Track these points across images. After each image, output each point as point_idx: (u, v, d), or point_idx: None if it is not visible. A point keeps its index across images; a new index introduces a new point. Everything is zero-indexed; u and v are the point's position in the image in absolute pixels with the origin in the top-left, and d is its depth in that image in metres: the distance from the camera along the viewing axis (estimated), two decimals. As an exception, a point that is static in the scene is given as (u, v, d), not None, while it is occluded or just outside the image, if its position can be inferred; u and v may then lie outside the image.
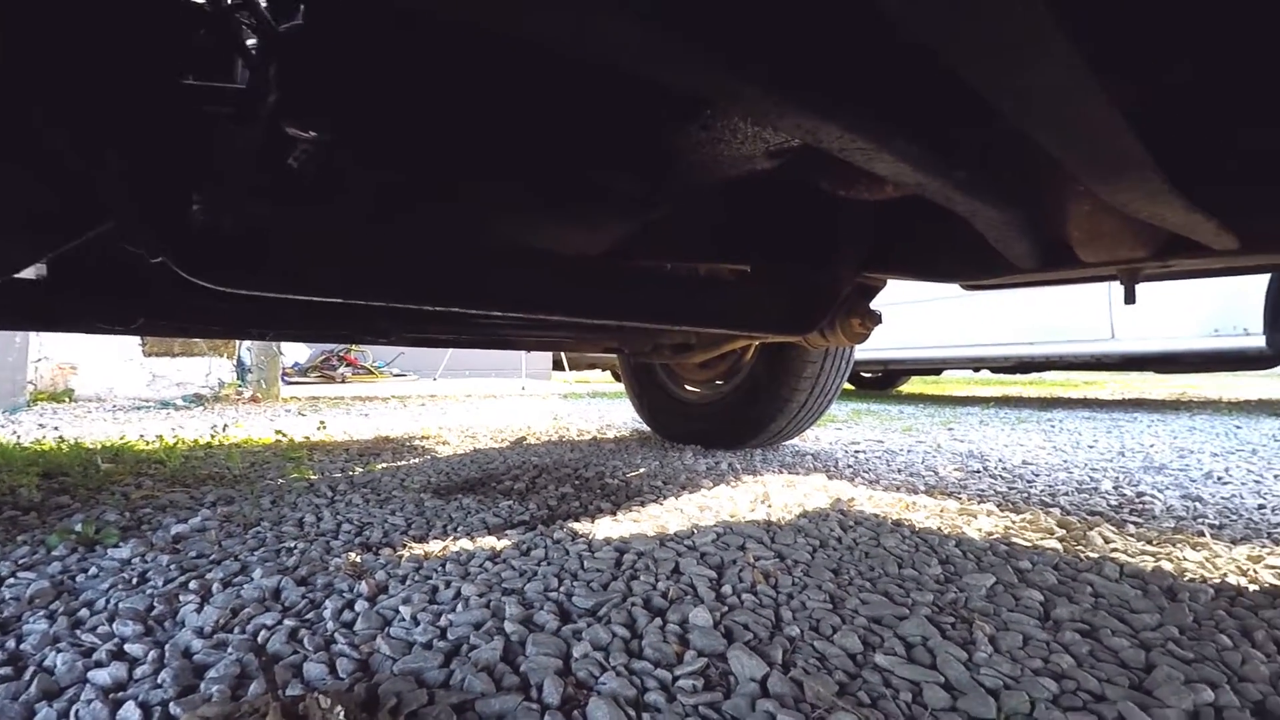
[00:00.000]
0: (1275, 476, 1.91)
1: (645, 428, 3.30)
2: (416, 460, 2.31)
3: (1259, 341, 3.87)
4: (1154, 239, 0.99)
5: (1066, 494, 1.71)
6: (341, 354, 10.14)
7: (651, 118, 0.98)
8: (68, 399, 5.88)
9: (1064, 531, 1.32)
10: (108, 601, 0.91)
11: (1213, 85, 0.83)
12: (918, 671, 0.72)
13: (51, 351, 6.06)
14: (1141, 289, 1.14)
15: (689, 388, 2.75)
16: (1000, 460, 2.31)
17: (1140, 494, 1.69)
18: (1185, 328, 4.16)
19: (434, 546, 1.19)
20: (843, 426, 3.53)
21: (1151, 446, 2.60)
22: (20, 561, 1.08)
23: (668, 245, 1.39)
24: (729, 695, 0.68)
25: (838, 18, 0.59)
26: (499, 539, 1.24)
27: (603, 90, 0.94)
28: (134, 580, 1.00)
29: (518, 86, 0.94)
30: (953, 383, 9.64)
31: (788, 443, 2.75)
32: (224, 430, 3.03)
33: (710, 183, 1.11)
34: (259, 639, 0.79)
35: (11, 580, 0.99)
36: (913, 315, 5.48)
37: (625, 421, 3.83)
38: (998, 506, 1.56)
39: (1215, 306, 4.02)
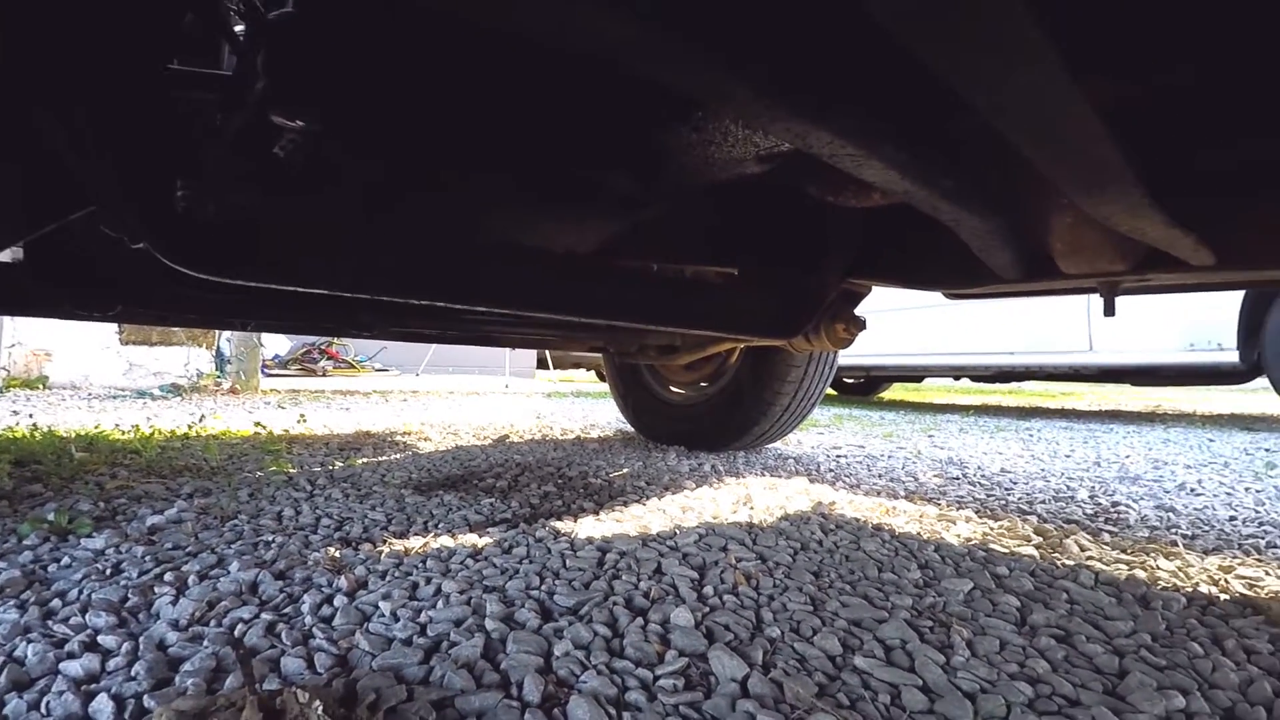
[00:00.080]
0: (1246, 489, 1.95)
1: (629, 428, 3.30)
2: (398, 456, 2.30)
3: (1233, 356, 3.95)
4: (1134, 253, 1.00)
5: (1044, 502, 1.74)
6: (323, 347, 10.05)
7: (643, 117, 0.98)
8: (42, 386, 5.78)
9: (1041, 539, 1.33)
10: (80, 592, 0.90)
11: (1185, 101, 0.84)
12: (896, 674, 0.73)
13: (26, 337, 5.96)
14: (1120, 303, 1.16)
15: (674, 389, 2.76)
16: (979, 468, 2.33)
17: (1115, 503, 1.71)
18: (1162, 342, 4.23)
19: (415, 543, 1.19)
20: (825, 431, 3.56)
21: (1127, 457, 2.64)
22: (-10, 550, 1.06)
23: (658, 246, 1.39)
24: (709, 695, 0.68)
25: (828, 21, 0.59)
26: (481, 536, 1.24)
27: (595, 87, 0.94)
28: (108, 571, 0.99)
29: (511, 81, 0.93)
30: (934, 390, 9.73)
31: (770, 446, 2.76)
32: (202, 421, 2.99)
33: (701, 185, 1.12)
34: (236, 632, 0.78)
35: (-19, 569, 0.97)
36: (896, 323, 5.52)
37: (609, 421, 3.83)
38: (976, 513, 1.57)
39: (1191, 322, 4.10)
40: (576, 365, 11.60)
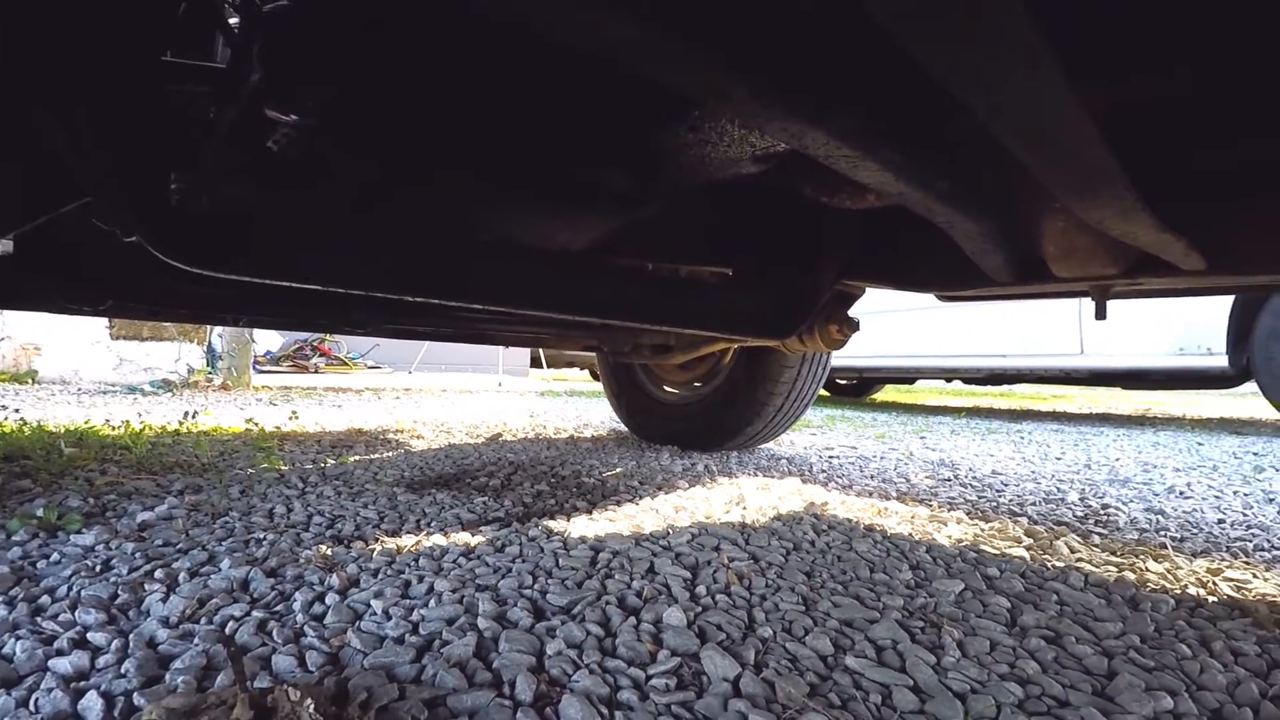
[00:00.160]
0: (1235, 492, 1.97)
1: (622, 427, 3.30)
2: (390, 454, 2.29)
3: (1222, 361, 3.98)
4: (1125, 257, 1.01)
5: (1034, 504, 1.75)
6: (315, 344, 10.01)
7: (640, 116, 0.98)
8: (31, 380, 5.73)
9: (1031, 540, 1.34)
10: (70, 589, 0.89)
11: (1177, 105, 0.85)
12: (887, 674, 0.73)
13: (15, 331, 5.91)
14: (1111, 307, 1.17)
15: (667, 389, 2.76)
16: (970, 469, 2.34)
17: (1105, 506, 1.72)
18: (1152, 346, 4.26)
19: (407, 541, 1.18)
20: (817, 432, 3.57)
21: (1117, 460, 2.66)
22: (-22, 546, 1.05)
23: (654, 245, 1.40)
24: (701, 695, 0.68)
25: (826, 22, 0.60)
26: (473, 535, 1.24)
27: (592, 86, 0.94)
28: (97, 568, 0.98)
29: (508, 77, 0.93)
30: (926, 392, 9.77)
31: (763, 446, 2.77)
32: (193, 417, 2.97)
33: (697, 184, 1.12)
34: (227, 630, 0.78)
35: (-32, 565, 0.97)
36: (888, 324, 5.54)
37: (603, 421, 3.82)
38: (967, 514, 1.58)
39: (1181, 326, 4.13)
40: (570, 364, 11.59)
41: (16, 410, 3.16)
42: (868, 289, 1.74)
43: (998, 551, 1.25)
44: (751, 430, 2.42)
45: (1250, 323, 3.85)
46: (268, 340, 9.69)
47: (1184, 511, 1.68)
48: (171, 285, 1.39)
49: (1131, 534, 1.43)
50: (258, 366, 8.42)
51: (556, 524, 1.33)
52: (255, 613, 0.83)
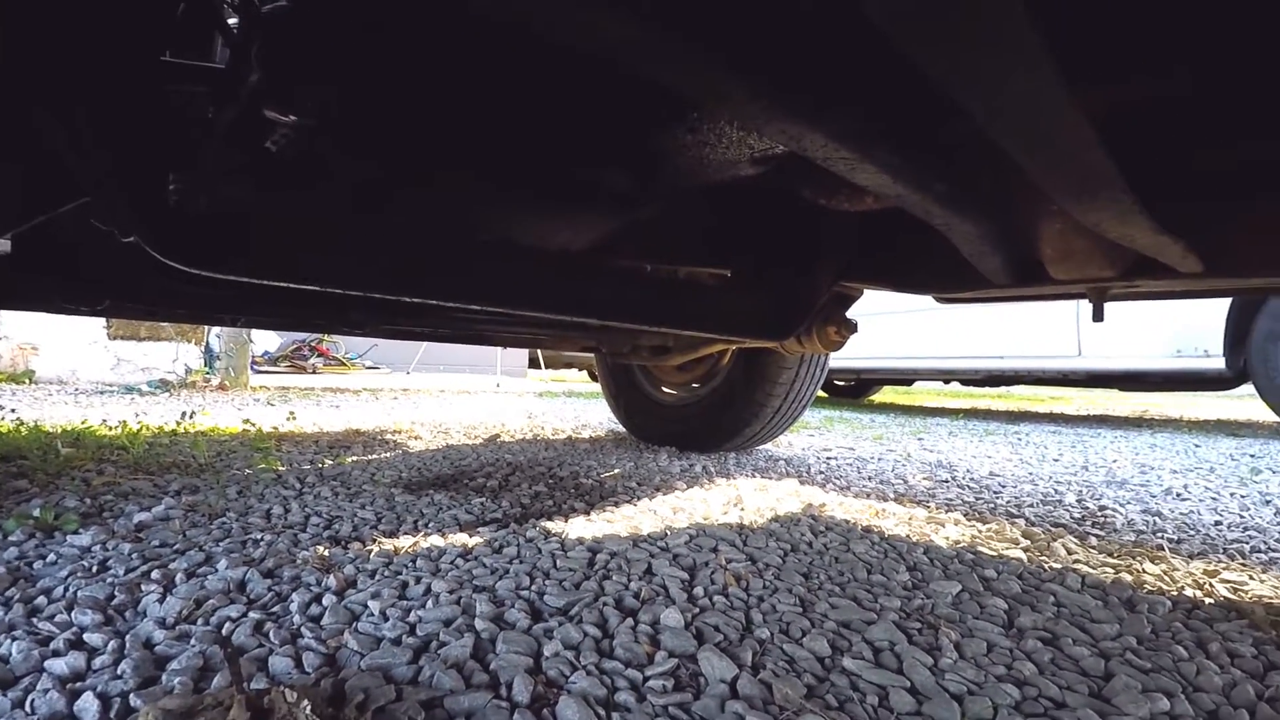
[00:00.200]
0: (1231, 494, 1.97)
1: (621, 428, 3.30)
2: (388, 454, 2.29)
3: (1219, 363, 3.99)
4: (1123, 259, 1.01)
5: (1031, 505, 1.75)
6: (313, 344, 10.00)
7: (639, 117, 0.98)
8: (28, 380, 5.72)
9: (1028, 542, 1.34)
10: (66, 589, 0.89)
11: (1175, 107, 0.85)
12: (884, 676, 0.73)
13: (12, 331, 5.90)
14: (1108, 309, 1.17)
15: (665, 390, 2.76)
16: (968, 471, 2.34)
17: (1102, 507, 1.73)
18: (1149, 348, 4.27)
19: (404, 542, 1.18)
20: (815, 433, 3.57)
21: (1114, 462, 2.66)
22: (-26, 546, 1.05)
23: (653, 246, 1.40)
24: (699, 696, 0.68)
25: (825, 24, 0.60)
26: (471, 536, 1.24)
27: (591, 87, 0.94)
28: (94, 568, 0.98)
29: (507, 78, 0.93)
30: (924, 393, 9.77)
31: (761, 447, 2.77)
32: (190, 417, 2.97)
33: (696, 186, 1.12)
34: (223, 631, 0.78)
35: (-35, 565, 0.96)
36: (886, 326, 5.55)
37: (601, 422, 3.82)
38: (965, 516, 1.58)
39: (1178, 328, 4.14)
40: (568, 365, 11.59)
41: (13, 410, 3.15)
42: (866, 291, 1.74)
43: (995, 553, 1.25)
44: (750, 431, 2.42)
45: (1247, 325, 3.86)
46: (266, 340, 9.68)
47: (1181, 513, 1.69)
48: (169, 285, 1.39)
49: (1129, 536, 1.44)
50: (255, 367, 8.41)
51: (554, 525, 1.33)
52: (252, 614, 0.83)
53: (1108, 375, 4.64)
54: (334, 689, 0.65)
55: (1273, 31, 0.69)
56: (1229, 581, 1.12)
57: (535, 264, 1.20)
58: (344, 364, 10.08)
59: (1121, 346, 4.39)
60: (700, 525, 1.37)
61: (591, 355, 2.99)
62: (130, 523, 1.22)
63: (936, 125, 0.73)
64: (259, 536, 1.17)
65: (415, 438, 2.81)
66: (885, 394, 8.58)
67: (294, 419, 3.35)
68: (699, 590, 0.98)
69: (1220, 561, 1.25)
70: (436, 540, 1.20)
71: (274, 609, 0.86)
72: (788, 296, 1.56)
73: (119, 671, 0.67)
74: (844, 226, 1.46)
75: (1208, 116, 0.86)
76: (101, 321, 6.17)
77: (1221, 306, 3.95)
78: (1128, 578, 1.12)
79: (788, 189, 1.19)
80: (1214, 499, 1.89)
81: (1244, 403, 7.82)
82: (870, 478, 2.12)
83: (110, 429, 2.53)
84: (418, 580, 0.97)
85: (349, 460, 2.11)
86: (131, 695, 0.63)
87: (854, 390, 7.58)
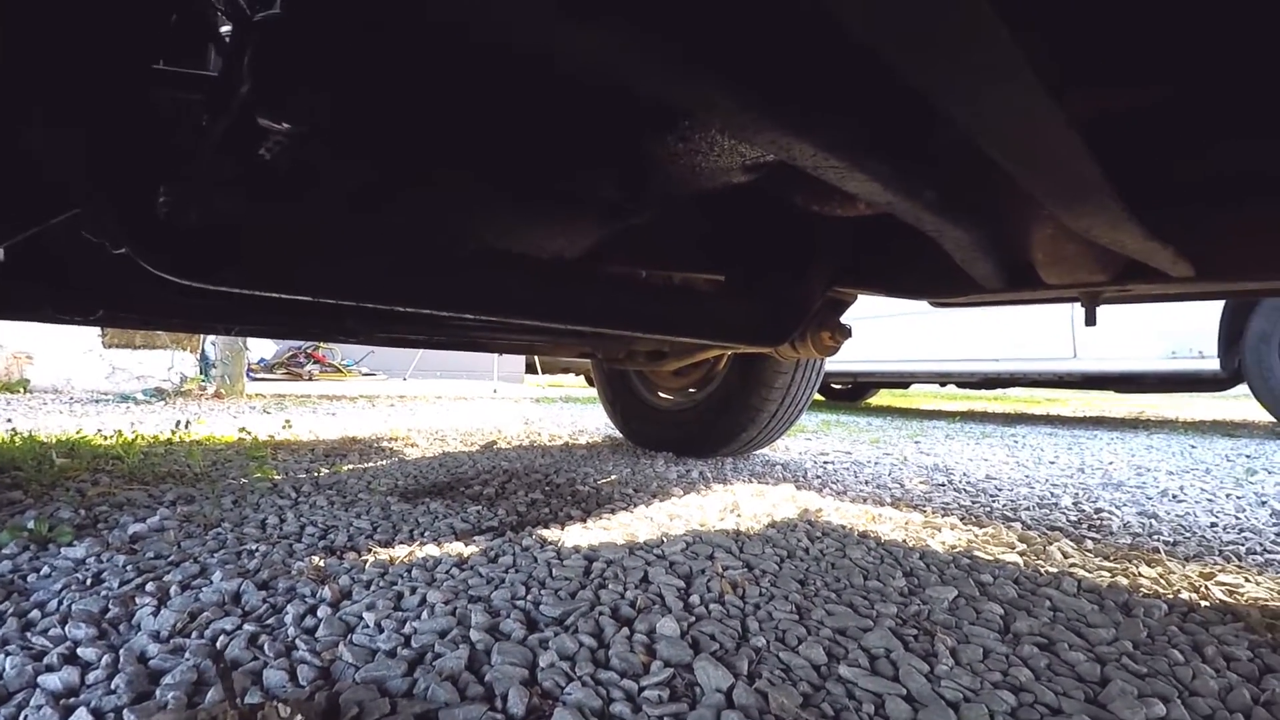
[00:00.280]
0: (1227, 495, 1.97)
1: (617, 434, 3.29)
2: (384, 462, 2.28)
3: (1214, 364, 4.00)
4: (1114, 264, 1.02)
5: (1028, 509, 1.75)
6: (309, 351, 9.99)
7: (630, 126, 0.98)
8: (22, 390, 5.70)
9: (1025, 546, 1.34)
10: (60, 603, 0.88)
11: (1163, 112, 0.86)
12: (880, 683, 0.73)
13: (5, 340, 5.88)
14: (1102, 311, 1.17)
15: (662, 395, 2.76)
16: (965, 474, 2.35)
17: (1099, 510, 1.73)
18: (1144, 349, 4.28)
19: (400, 551, 1.18)
20: (812, 437, 3.57)
21: (1110, 464, 2.67)
22: (-33, 560, 1.05)
23: (647, 252, 1.40)
24: (694, 706, 0.68)
25: (811, 36, 0.60)
26: (467, 545, 1.23)
27: (583, 96, 0.94)
28: (88, 581, 0.98)
29: (499, 87, 0.93)
30: (920, 396, 9.78)
31: (758, 452, 2.77)
32: (185, 426, 2.96)
33: (689, 193, 1.12)
34: (218, 644, 0.77)
35: (-43, 579, 0.96)
36: (883, 329, 5.56)
37: (598, 427, 3.82)
38: (961, 520, 1.58)
39: (1173, 330, 4.15)
40: (565, 370, 11.59)
41: (8, 420, 3.14)
42: (860, 295, 1.74)
43: (991, 558, 1.25)
44: (746, 436, 2.42)
45: (1241, 326, 3.87)
46: (262, 348, 9.66)
47: (1177, 515, 1.69)
48: (163, 295, 1.39)
49: (1125, 538, 1.44)
50: (251, 374, 8.39)
51: (550, 533, 1.33)
52: (247, 626, 0.82)
53: (1103, 377, 4.65)
54: (328, 703, 0.65)
55: (1266, 32, 0.69)
56: (1225, 584, 1.12)
57: (530, 272, 1.20)
58: (340, 371, 10.07)
59: (1116, 348, 4.40)
60: (697, 532, 1.37)
61: (588, 360, 2.99)
62: (125, 534, 1.21)
63: (925, 133, 0.74)
64: (254, 547, 1.16)
65: (411, 445, 2.81)
66: (882, 397, 8.58)
67: (290, 427, 3.34)
68: (695, 598, 0.98)
69: (1216, 564, 1.25)
70: (432, 549, 1.20)
71: (269, 621, 0.85)
72: (782, 302, 1.56)
73: (113, 686, 0.67)
74: (837, 232, 1.46)
75: (1193, 122, 0.87)
76: (96, 330, 6.16)
77: (1215, 308, 3.97)
78: (1124, 581, 1.12)
79: (781, 195, 1.19)
80: (1210, 500, 1.90)
81: (1239, 403, 7.84)
82: (867, 482, 2.12)
83: (105, 438, 2.52)
84: (413, 591, 0.97)
85: (345, 468, 2.10)
86: (125, 710, 0.63)
87: (851, 393, 7.58)
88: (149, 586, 0.95)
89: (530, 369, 11.88)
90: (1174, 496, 1.95)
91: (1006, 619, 0.94)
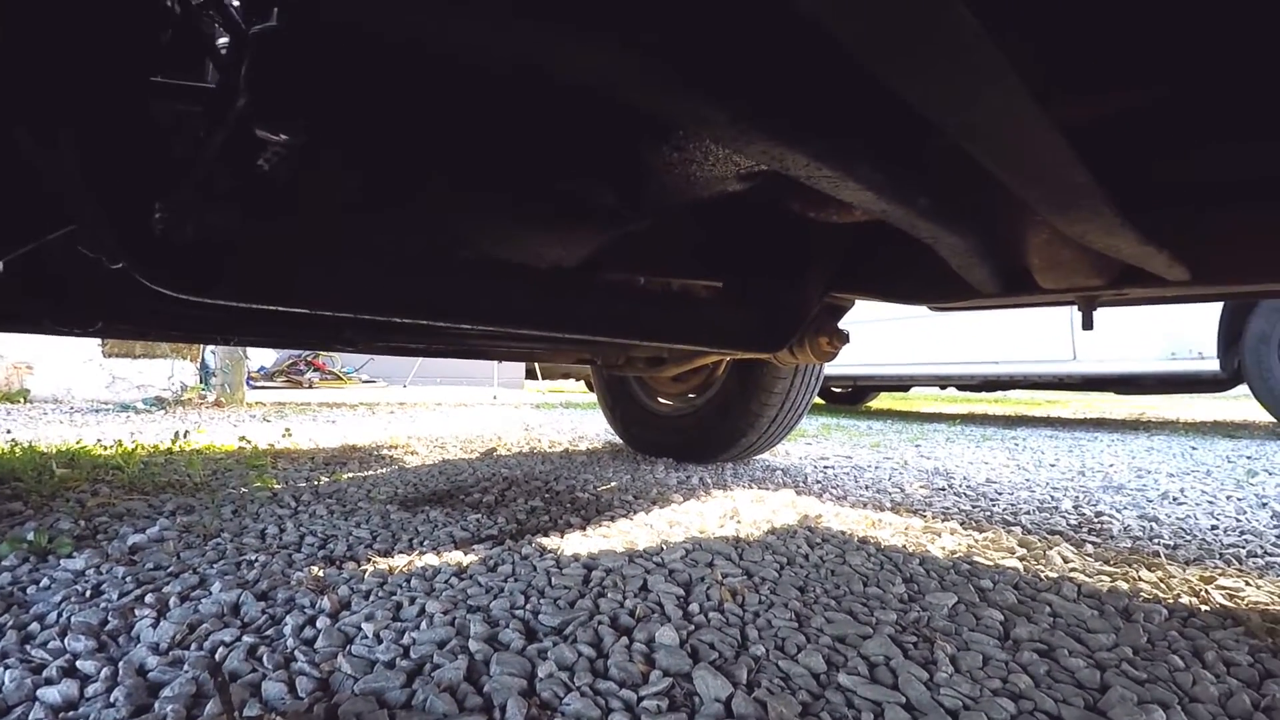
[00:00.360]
0: (1228, 497, 1.97)
1: (617, 440, 3.29)
2: (383, 470, 2.28)
3: (1213, 365, 4.00)
4: (1110, 268, 1.02)
5: (1028, 513, 1.75)
6: (309, 359, 9.99)
7: (625, 137, 0.98)
8: (23, 400, 5.70)
9: (1025, 551, 1.34)
10: (60, 615, 0.88)
11: (1153, 116, 0.86)
12: (880, 691, 0.73)
13: (6, 350, 5.89)
14: (1102, 313, 1.17)
15: (662, 400, 2.76)
16: (965, 478, 2.34)
17: (1099, 513, 1.73)
18: (1144, 351, 4.29)
19: (399, 561, 1.18)
20: (812, 441, 3.57)
21: (1111, 466, 2.67)
22: (-34, 573, 1.05)
23: (644, 260, 1.40)
24: (693, 715, 0.68)
25: (802, 48, 0.60)
26: (466, 554, 1.23)
27: (577, 107, 0.95)
28: (88, 593, 0.98)
29: (495, 100, 0.94)
30: (920, 399, 9.78)
31: (758, 457, 2.77)
32: (185, 436, 2.96)
33: (685, 201, 1.12)
34: (216, 656, 0.77)
35: (-44, 593, 0.96)
36: (882, 333, 5.56)
37: (598, 433, 3.82)
38: (961, 525, 1.58)
39: (1172, 331, 4.16)
40: (565, 375, 11.59)
41: (9, 430, 3.14)
42: (858, 300, 1.74)
43: (991, 563, 1.25)
44: (746, 441, 2.42)
45: (1240, 327, 3.88)
46: (262, 356, 9.67)
47: (1177, 518, 1.69)
48: (161, 307, 1.39)
49: (1125, 542, 1.44)
50: (251, 382, 8.39)
51: (550, 541, 1.33)
52: (246, 637, 0.82)
53: (1103, 379, 4.65)
54: (327, 715, 0.65)
55: (1262, 33, 0.69)
56: (1225, 588, 1.12)
57: (528, 281, 1.20)
58: (340, 378, 10.07)
59: (1116, 350, 4.41)
60: (696, 539, 1.37)
61: (587, 366, 3.00)
62: (124, 545, 1.21)
63: (918, 141, 0.74)
64: (253, 558, 1.16)
65: (411, 453, 2.81)
66: (882, 400, 8.58)
67: (290, 435, 3.34)
68: (694, 607, 0.97)
69: (1216, 567, 1.25)
70: (431, 559, 1.20)
71: (268, 632, 0.85)
72: (779, 308, 1.57)
73: (112, 699, 0.67)
74: (833, 238, 1.47)
75: (1185, 125, 0.87)
76: (96, 340, 6.16)
77: (1214, 309, 3.97)
78: (1124, 586, 1.12)
79: (777, 202, 1.19)
80: (1210, 503, 1.90)
81: (1239, 404, 7.84)
82: (867, 487, 2.12)
83: (105, 448, 2.52)
84: (412, 600, 0.96)
85: (345, 477, 2.10)
86: (123, 725, 0.63)
87: (851, 397, 7.58)
88: (148, 598, 0.94)
89: (530, 375, 11.88)
90: (1174, 499, 1.95)
91: (1006, 625, 0.93)
